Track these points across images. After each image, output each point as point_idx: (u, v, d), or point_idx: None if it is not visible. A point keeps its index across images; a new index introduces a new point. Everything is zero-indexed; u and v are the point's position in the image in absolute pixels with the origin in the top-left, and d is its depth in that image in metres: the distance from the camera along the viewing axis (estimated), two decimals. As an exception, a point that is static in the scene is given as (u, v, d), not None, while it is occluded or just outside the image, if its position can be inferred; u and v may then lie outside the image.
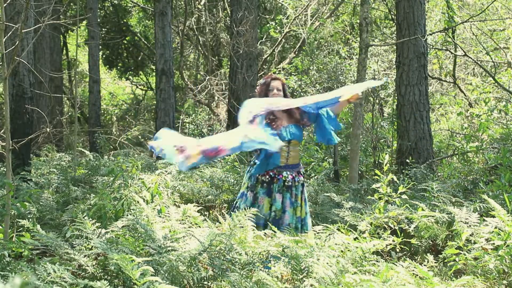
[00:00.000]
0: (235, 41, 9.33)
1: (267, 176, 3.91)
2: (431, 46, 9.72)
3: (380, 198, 4.50)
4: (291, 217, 3.88)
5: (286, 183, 3.90)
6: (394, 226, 4.33)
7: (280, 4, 13.79)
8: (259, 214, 3.73)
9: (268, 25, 13.59)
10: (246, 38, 9.14)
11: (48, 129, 4.79)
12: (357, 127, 6.52)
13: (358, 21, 7.90)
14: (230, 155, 3.76)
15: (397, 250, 4.40)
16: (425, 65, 7.47)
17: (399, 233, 4.35)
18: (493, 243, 3.58)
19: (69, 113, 13.92)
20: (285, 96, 4.06)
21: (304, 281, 2.87)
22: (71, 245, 3.19)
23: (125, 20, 16.13)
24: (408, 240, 4.39)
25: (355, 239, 3.50)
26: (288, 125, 3.96)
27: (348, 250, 3.18)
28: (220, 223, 3.44)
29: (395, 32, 8.84)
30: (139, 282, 2.51)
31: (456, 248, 3.72)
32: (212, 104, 13.33)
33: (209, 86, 12.75)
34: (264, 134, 3.64)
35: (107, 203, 4.04)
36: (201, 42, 14.01)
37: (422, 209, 4.50)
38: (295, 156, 3.97)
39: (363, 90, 4.07)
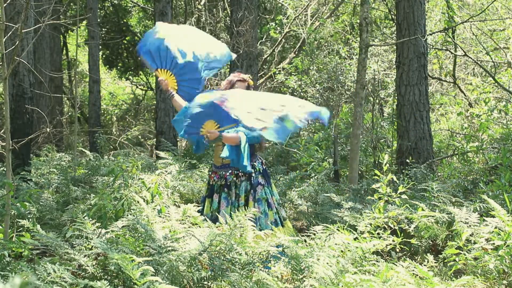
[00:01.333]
0: (235, 41, 9.33)
1: (210, 177, 4.03)
2: (431, 46, 9.72)
3: (380, 198, 4.50)
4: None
5: (221, 182, 3.95)
6: (394, 226, 4.33)
7: (280, 4, 13.79)
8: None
9: (268, 25, 13.59)
10: (246, 38, 9.14)
11: (48, 129, 4.79)
12: (357, 127, 6.52)
13: (358, 21, 7.90)
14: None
15: (397, 250, 4.40)
16: (425, 65, 7.47)
17: (399, 233, 4.35)
18: (493, 243, 3.58)
19: (69, 113, 13.91)
20: None
21: (304, 281, 2.87)
22: (71, 245, 3.19)
23: (125, 20, 16.13)
24: (408, 240, 4.39)
25: (355, 239, 3.50)
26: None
27: (348, 250, 3.18)
28: (220, 223, 3.44)
29: (395, 32, 8.84)
30: (139, 282, 2.51)
31: (456, 248, 3.72)
32: (212, 104, 13.29)
33: (209, 86, 12.74)
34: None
35: (107, 203, 4.04)
36: (201, 42, 13.98)
37: (422, 209, 4.50)
38: None
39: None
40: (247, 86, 4.06)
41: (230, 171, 3.96)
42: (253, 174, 3.99)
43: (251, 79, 4.14)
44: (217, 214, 3.87)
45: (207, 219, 3.63)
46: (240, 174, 3.96)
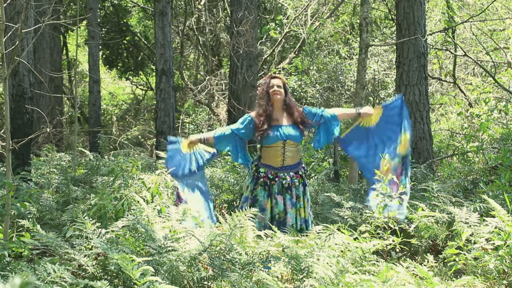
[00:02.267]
0: (235, 41, 9.33)
1: (265, 178, 3.91)
2: (431, 46, 9.72)
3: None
4: (294, 218, 3.86)
5: (284, 184, 3.89)
6: (394, 226, 4.32)
7: (280, 4, 13.79)
8: (259, 214, 3.73)
9: (268, 25, 13.59)
10: (246, 38, 9.15)
11: (48, 129, 4.78)
12: (357, 127, 6.50)
13: (358, 21, 7.90)
14: None
15: (397, 250, 4.40)
16: (425, 65, 7.48)
17: (399, 233, 4.35)
18: (493, 243, 3.58)
19: (69, 113, 13.91)
20: (286, 93, 4.03)
21: (304, 281, 2.87)
22: (71, 245, 3.19)
23: (125, 20, 16.13)
24: (408, 240, 4.39)
25: (355, 239, 3.50)
26: (284, 125, 3.95)
27: (348, 250, 3.18)
28: (220, 223, 3.44)
29: (395, 32, 8.84)
30: (139, 282, 2.51)
31: (456, 248, 3.72)
32: (212, 104, 13.33)
33: (209, 86, 12.74)
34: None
35: (107, 203, 4.04)
36: (201, 42, 14.01)
37: (422, 209, 4.50)
38: (293, 156, 3.93)
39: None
40: (282, 81, 4.03)
41: (292, 173, 3.93)
42: (304, 175, 4.02)
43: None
44: (284, 215, 3.85)
45: (269, 224, 3.69)
46: (299, 175, 3.96)
